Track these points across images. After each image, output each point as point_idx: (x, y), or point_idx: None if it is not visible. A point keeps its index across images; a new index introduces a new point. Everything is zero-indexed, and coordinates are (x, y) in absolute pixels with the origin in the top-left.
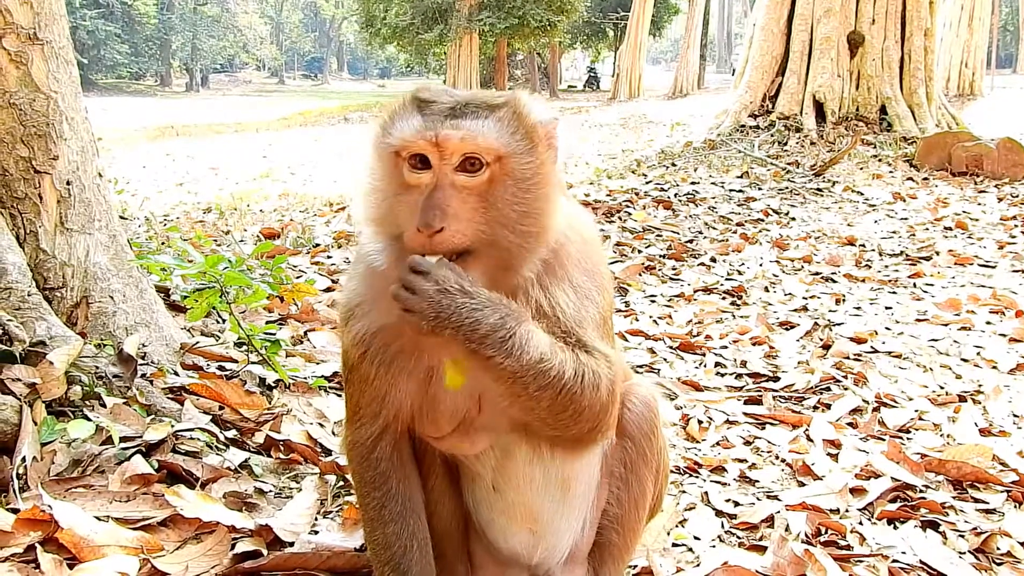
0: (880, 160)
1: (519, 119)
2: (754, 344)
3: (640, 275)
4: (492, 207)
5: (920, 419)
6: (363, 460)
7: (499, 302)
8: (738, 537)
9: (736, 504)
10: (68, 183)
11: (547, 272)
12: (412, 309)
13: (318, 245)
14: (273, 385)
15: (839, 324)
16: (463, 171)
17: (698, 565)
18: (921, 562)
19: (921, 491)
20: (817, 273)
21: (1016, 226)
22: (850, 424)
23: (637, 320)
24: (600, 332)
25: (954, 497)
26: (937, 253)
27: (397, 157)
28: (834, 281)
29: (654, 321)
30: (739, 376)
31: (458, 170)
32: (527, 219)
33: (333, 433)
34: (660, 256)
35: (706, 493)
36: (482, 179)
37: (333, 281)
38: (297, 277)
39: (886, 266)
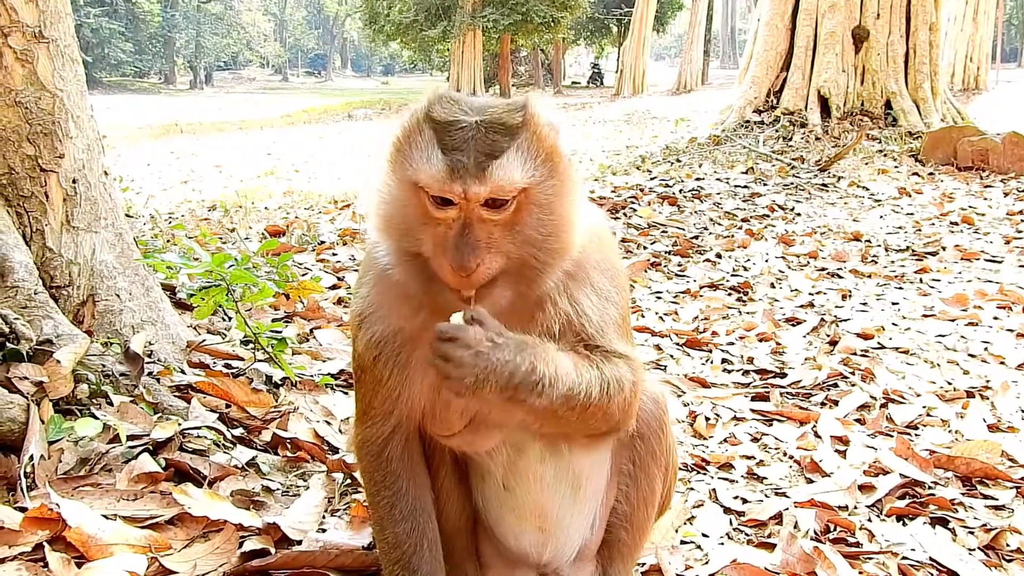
0: (885, 155)
1: (539, 141)
2: (761, 340)
3: (646, 271)
4: (519, 233)
5: (928, 415)
6: (374, 459)
7: (525, 344)
8: (746, 534)
9: (744, 501)
10: (74, 181)
11: (570, 279)
12: (452, 376)
13: (323, 242)
14: (280, 383)
15: (846, 320)
16: (489, 207)
17: (707, 563)
18: (931, 559)
19: (930, 488)
20: (823, 269)
21: (1022, 221)
22: (858, 420)
23: (643, 317)
24: (620, 332)
25: (963, 493)
26: (943, 248)
27: (418, 188)
28: (840, 277)
29: (660, 318)
30: (746, 372)
31: (484, 207)
32: (551, 238)
33: (340, 431)
34: (665, 252)
35: (714, 490)
36: (507, 213)
37: (339, 278)
38: (303, 275)
39: (892, 261)
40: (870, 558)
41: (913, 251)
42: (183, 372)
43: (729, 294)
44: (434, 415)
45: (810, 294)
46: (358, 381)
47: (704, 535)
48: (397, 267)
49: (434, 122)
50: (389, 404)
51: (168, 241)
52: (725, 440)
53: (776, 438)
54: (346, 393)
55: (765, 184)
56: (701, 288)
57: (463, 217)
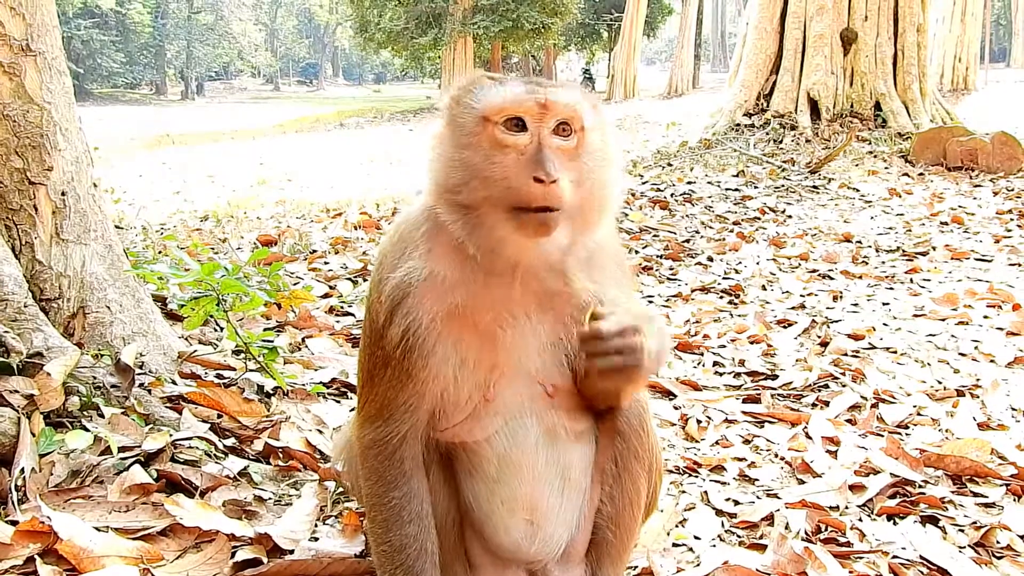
0: (875, 156)
1: (589, 98)
2: (752, 343)
3: (637, 276)
4: (579, 170)
5: (918, 414)
6: (386, 459)
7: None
8: (738, 536)
9: (736, 503)
10: (63, 194)
11: (591, 263)
12: (638, 366)
13: (315, 251)
14: (271, 392)
15: (837, 321)
16: (557, 134)
17: (698, 565)
18: (921, 557)
19: (920, 486)
20: (814, 270)
21: (1012, 220)
22: (849, 421)
23: None
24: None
25: (953, 492)
26: (934, 248)
27: (486, 123)
28: (831, 278)
29: None
30: (737, 375)
31: (553, 133)
32: (603, 188)
33: (332, 439)
34: (657, 256)
35: (706, 492)
36: (572, 144)
37: (331, 287)
38: (294, 284)
39: (883, 262)
40: (860, 557)
41: (903, 251)
42: (174, 383)
43: (720, 297)
44: (441, 407)
45: (801, 296)
46: (373, 379)
47: (696, 537)
48: (457, 223)
49: (494, 79)
50: (415, 400)
51: (159, 252)
52: (717, 443)
53: (767, 440)
54: (338, 402)
55: (756, 187)
56: (693, 291)
57: (535, 140)
